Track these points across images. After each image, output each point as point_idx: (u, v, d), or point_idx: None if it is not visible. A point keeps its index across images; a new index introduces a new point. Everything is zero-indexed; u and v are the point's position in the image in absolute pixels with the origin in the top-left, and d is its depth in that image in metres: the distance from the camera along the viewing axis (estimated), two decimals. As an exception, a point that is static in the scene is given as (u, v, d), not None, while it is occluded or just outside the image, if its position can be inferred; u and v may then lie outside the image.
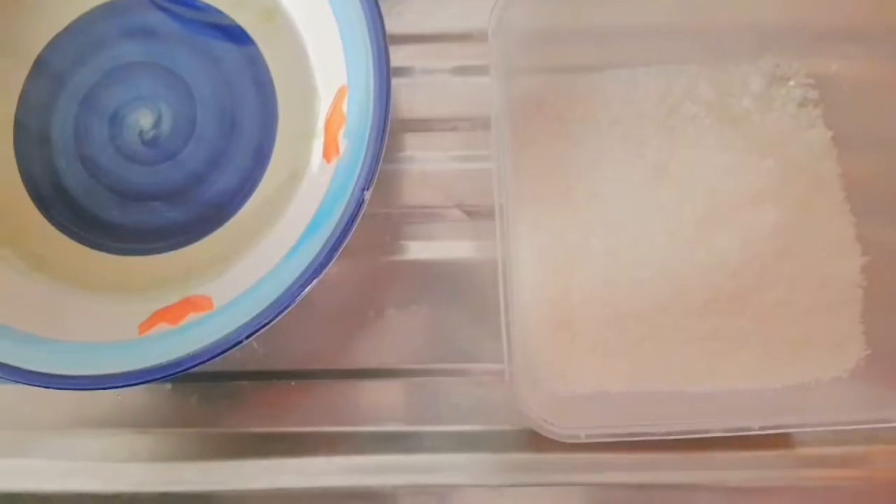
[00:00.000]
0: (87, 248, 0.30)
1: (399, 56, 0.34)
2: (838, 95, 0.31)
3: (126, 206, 0.31)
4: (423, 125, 0.34)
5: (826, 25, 0.30)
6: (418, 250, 0.33)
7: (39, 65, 0.32)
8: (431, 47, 0.35)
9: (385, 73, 0.27)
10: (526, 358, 0.29)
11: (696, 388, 0.29)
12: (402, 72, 0.34)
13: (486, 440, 0.31)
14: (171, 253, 0.30)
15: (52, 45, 0.32)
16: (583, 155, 0.32)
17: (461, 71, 0.35)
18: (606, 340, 0.29)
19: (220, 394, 0.32)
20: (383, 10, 0.34)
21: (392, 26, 0.34)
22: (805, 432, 0.29)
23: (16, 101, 0.31)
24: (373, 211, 0.33)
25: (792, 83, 0.32)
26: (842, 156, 0.31)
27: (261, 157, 0.31)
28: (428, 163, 0.34)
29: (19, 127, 0.31)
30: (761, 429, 0.24)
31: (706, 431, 0.24)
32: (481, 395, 0.31)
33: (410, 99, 0.34)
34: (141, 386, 0.27)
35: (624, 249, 0.30)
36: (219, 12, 0.32)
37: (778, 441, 0.30)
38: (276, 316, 0.25)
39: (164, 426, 0.32)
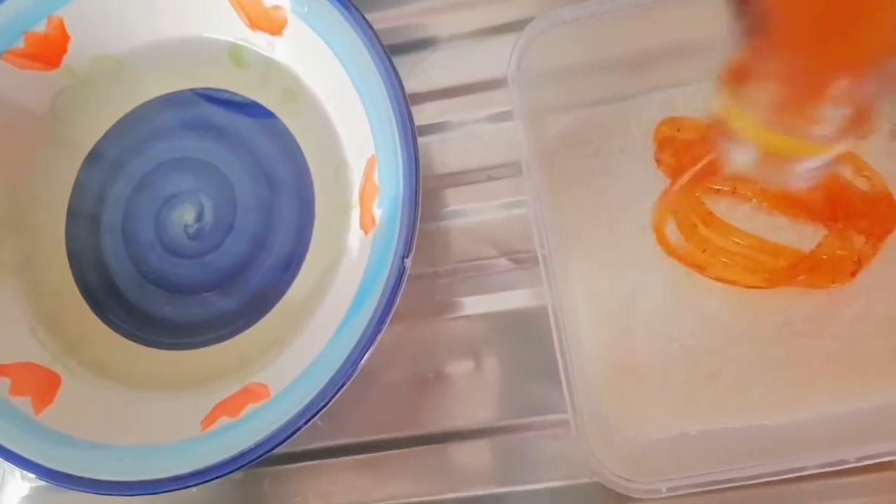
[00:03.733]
0: (146, 348, 0.31)
1: (427, 114, 0.34)
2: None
3: (177, 300, 0.31)
4: (459, 178, 0.34)
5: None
6: (471, 305, 0.32)
7: (83, 176, 0.33)
8: (457, 100, 0.35)
9: (411, 139, 0.27)
10: (595, 405, 0.28)
11: (779, 420, 0.27)
12: (432, 129, 0.34)
13: (567, 497, 0.30)
14: (225, 343, 0.30)
15: (91, 156, 0.33)
16: (626, 187, 0.31)
17: (490, 119, 0.34)
18: (677, 378, 0.28)
19: (292, 475, 0.32)
20: (405, 71, 0.34)
21: (416, 85, 0.35)
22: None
23: (65, 214, 0.32)
24: (420, 272, 0.33)
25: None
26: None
27: (301, 236, 0.31)
28: (469, 215, 0.33)
29: (71, 236, 0.32)
30: (858, 460, 0.22)
31: (798, 471, 0.23)
32: (557, 448, 0.30)
33: (443, 154, 0.34)
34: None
35: (683, 279, 0.29)
36: (245, 98, 0.32)
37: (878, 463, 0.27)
38: (331, 398, 0.25)
39: (238, 513, 0.32)
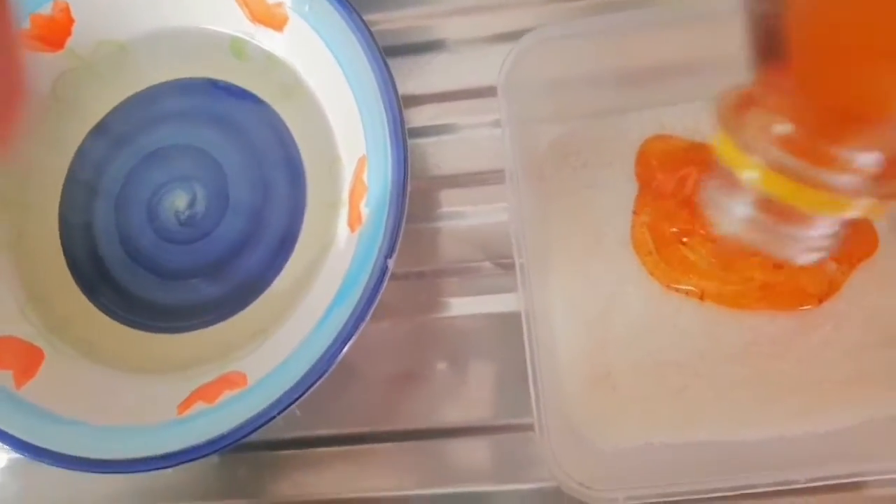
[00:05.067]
0: (131, 329, 0.31)
1: (424, 116, 0.35)
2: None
3: (167, 285, 0.32)
4: (452, 181, 0.34)
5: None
6: (455, 307, 0.33)
7: (80, 156, 0.34)
8: (455, 104, 0.35)
9: (401, 142, 0.28)
10: (565, 412, 0.29)
11: (741, 437, 0.27)
12: (428, 131, 0.35)
13: (535, 500, 0.30)
14: (209, 329, 0.31)
15: (88, 138, 0.34)
16: (611, 200, 0.31)
17: (485, 125, 0.35)
18: (646, 391, 0.29)
19: (268, 463, 0.32)
20: (406, 72, 0.35)
21: (415, 87, 0.35)
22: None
23: (59, 193, 0.33)
24: (407, 271, 0.33)
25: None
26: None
27: (290, 229, 0.32)
28: (459, 218, 0.34)
29: (63, 215, 0.33)
30: (808, 481, 0.23)
31: (751, 487, 0.23)
32: (530, 451, 0.31)
33: (438, 156, 0.35)
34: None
35: (659, 295, 0.30)
36: (244, 91, 0.33)
37: (842, 484, 0.28)
38: (307, 391, 0.26)
39: (214, 499, 0.32)
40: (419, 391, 0.32)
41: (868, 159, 0.16)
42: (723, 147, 0.18)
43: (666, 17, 0.29)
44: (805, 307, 0.28)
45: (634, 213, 0.30)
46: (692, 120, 0.31)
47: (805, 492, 0.24)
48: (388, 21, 0.36)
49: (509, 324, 0.32)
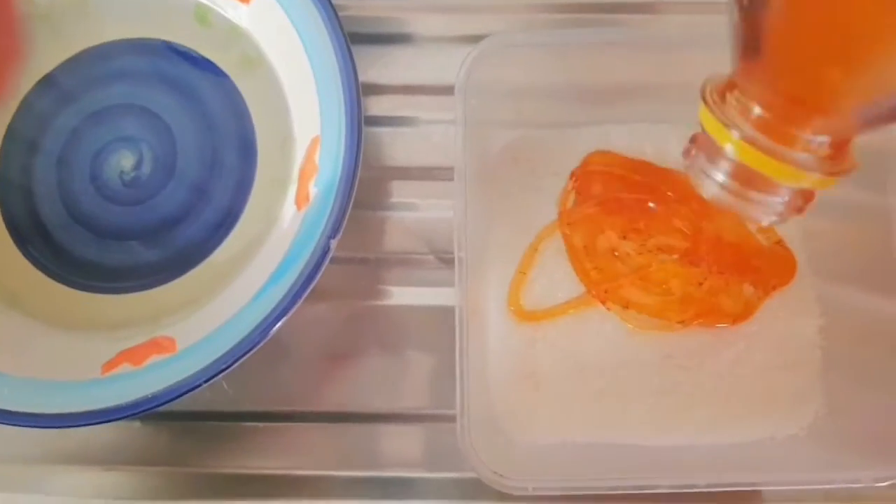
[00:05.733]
0: (62, 286, 0.31)
1: (384, 105, 0.35)
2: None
3: (103, 245, 0.32)
4: (404, 173, 0.35)
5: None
6: (395, 296, 0.33)
7: (26, 103, 0.33)
8: (416, 98, 0.35)
9: (356, 128, 0.28)
10: (489, 406, 0.30)
11: (653, 442, 0.29)
12: (387, 121, 0.35)
13: (451, 488, 0.31)
14: (144, 293, 0.31)
15: (41, 83, 0.33)
16: (554, 210, 0.32)
17: (442, 122, 0.35)
18: (567, 391, 0.30)
19: (190, 432, 0.32)
20: (371, 60, 0.35)
21: (377, 76, 0.36)
22: (768, 490, 0.30)
23: (0, 139, 0.32)
24: (350, 255, 0.34)
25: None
26: (808, 218, 0.31)
27: (237, 201, 0.32)
28: (408, 210, 0.34)
29: (3, 165, 0.32)
30: (707, 486, 0.25)
31: (653, 487, 0.25)
32: (453, 442, 0.31)
33: (393, 147, 0.35)
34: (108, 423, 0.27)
35: (588, 302, 0.31)
36: (204, 59, 0.33)
37: (741, 497, 0.30)
38: (235, 362, 0.26)
39: (132, 464, 0.32)
40: (350, 375, 0.33)
41: (821, 142, 0.20)
42: (706, 120, 0.21)
43: (624, 39, 0.31)
44: (721, 325, 0.30)
45: (567, 222, 0.31)
46: (637, 140, 0.32)
47: (704, 497, 0.25)
48: (357, 8, 0.36)
49: (445, 317, 0.32)
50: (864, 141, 0.28)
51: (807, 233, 0.31)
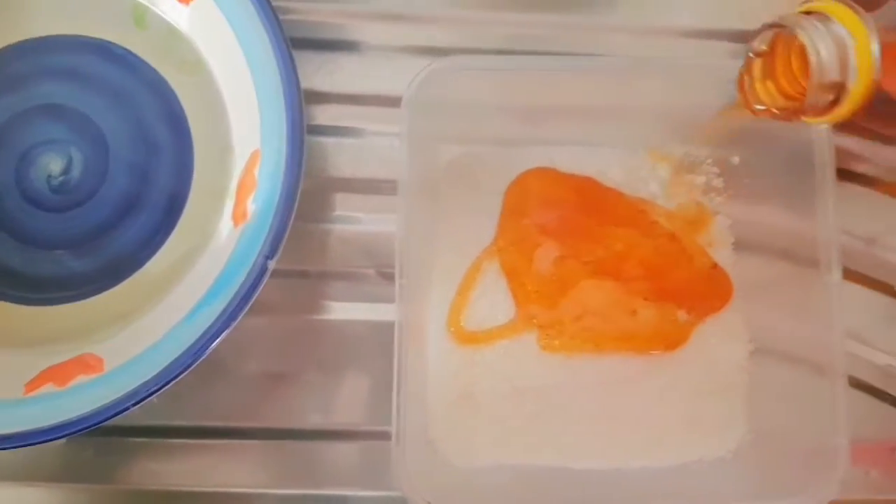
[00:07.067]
0: (-20, 296, 0.29)
1: (329, 114, 0.35)
2: (740, 186, 0.32)
3: (28, 252, 0.30)
4: (348, 185, 0.34)
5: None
6: (336, 311, 0.33)
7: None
8: (362, 109, 0.35)
9: (298, 145, 0.27)
10: (425, 426, 0.30)
11: (585, 466, 0.29)
12: (330, 130, 0.34)
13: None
14: (71, 305, 0.30)
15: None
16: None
17: (388, 134, 0.34)
18: (504, 414, 0.30)
19: (118, 448, 0.31)
20: (315, 67, 0.34)
21: (322, 84, 0.35)
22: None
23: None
24: (290, 268, 0.33)
25: (698, 171, 0.33)
26: (737, 244, 0.32)
27: (171, 211, 0.30)
28: (351, 223, 0.34)
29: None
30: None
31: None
32: (387, 459, 0.31)
33: (337, 157, 0.34)
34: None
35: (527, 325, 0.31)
36: (141, 61, 0.31)
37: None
38: (164, 385, 0.25)
39: (56, 481, 0.31)
40: (286, 391, 0.32)
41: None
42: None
43: (568, 65, 0.31)
44: (655, 352, 0.30)
45: (501, 244, 0.31)
46: (579, 162, 0.33)
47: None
48: (304, 12, 0.35)
49: (387, 333, 0.32)
50: (791, 165, 0.29)
51: (735, 259, 0.32)
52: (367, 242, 0.33)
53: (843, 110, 0.22)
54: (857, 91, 0.22)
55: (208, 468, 0.31)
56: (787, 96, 0.25)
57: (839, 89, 0.22)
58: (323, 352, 0.32)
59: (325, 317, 0.33)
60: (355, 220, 0.34)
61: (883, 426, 0.32)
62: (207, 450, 0.32)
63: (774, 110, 0.25)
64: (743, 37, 0.33)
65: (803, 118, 0.24)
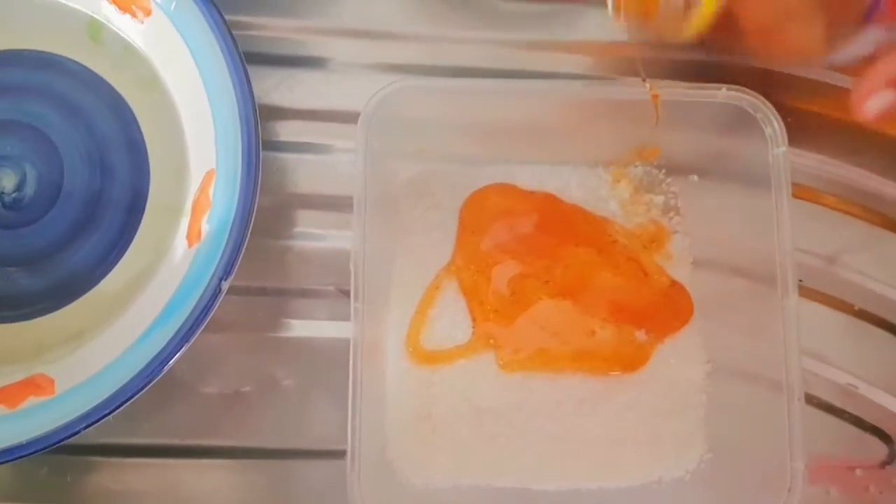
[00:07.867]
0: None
1: (288, 130, 0.34)
2: (699, 205, 0.33)
3: (-23, 269, 0.30)
4: (307, 202, 0.34)
5: (692, 141, 0.32)
6: (295, 328, 0.33)
7: None
8: (321, 125, 0.34)
9: (254, 167, 0.27)
10: (382, 445, 0.29)
11: (544, 486, 0.29)
12: (290, 146, 0.34)
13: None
14: (22, 323, 0.29)
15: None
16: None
17: (348, 151, 0.34)
18: (462, 435, 0.30)
19: (72, 467, 0.31)
20: (274, 83, 0.34)
21: (281, 100, 0.34)
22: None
23: None
24: (248, 285, 0.33)
25: (658, 190, 0.33)
26: (696, 264, 0.32)
27: (126, 229, 0.30)
28: (310, 240, 0.33)
29: None
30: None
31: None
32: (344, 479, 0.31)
33: (297, 174, 0.34)
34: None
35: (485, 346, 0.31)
36: (97, 77, 0.31)
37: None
38: (117, 408, 0.25)
39: (6, 500, 0.30)
40: (245, 409, 0.32)
41: None
42: None
43: (524, 88, 0.31)
44: (613, 373, 0.31)
45: (459, 263, 0.31)
46: (538, 181, 0.33)
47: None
48: (265, 28, 0.35)
49: (347, 351, 0.32)
50: (749, 184, 0.29)
51: (693, 280, 0.32)
52: (327, 259, 0.33)
53: (695, 22, 0.25)
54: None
55: (167, 487, 0.31)
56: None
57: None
58: (282, 369, 0.32)
59: (285, 334, 0.33)
60: (315, 236, 0.33)
61: (842, 444, 0.33)
62: (165, 468, 0.31)
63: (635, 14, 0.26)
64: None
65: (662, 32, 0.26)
